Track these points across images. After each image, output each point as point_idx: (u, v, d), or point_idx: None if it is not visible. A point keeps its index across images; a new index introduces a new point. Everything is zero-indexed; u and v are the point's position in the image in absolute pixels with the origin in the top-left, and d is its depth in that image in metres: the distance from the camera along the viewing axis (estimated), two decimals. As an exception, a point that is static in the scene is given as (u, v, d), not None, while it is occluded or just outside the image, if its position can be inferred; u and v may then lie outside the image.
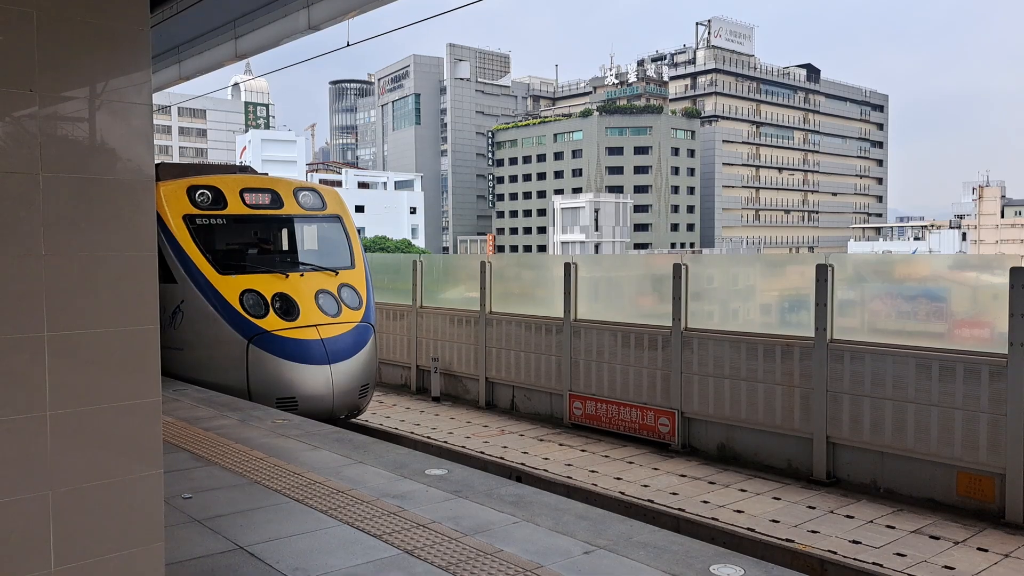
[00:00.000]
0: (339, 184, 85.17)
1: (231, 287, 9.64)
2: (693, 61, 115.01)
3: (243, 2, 11.02)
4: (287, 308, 9.66)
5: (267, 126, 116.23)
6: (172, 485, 5.32)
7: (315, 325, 9.61)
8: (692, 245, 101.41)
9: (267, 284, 9.82)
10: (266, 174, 12.54)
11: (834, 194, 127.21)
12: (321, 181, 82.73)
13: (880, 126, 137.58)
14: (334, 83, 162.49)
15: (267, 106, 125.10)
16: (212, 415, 7.91)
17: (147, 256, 3.02)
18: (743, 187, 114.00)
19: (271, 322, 9.49)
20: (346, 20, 10.28)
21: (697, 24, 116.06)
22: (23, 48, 2.75)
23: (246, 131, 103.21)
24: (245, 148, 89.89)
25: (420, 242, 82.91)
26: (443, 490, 5.41)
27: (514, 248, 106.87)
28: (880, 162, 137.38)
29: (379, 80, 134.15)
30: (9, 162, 2.72)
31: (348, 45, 11.00)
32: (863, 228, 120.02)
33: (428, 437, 10.32)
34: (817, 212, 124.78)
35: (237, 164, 17.03)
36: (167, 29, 11.86)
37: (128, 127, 3.07)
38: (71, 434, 2.80)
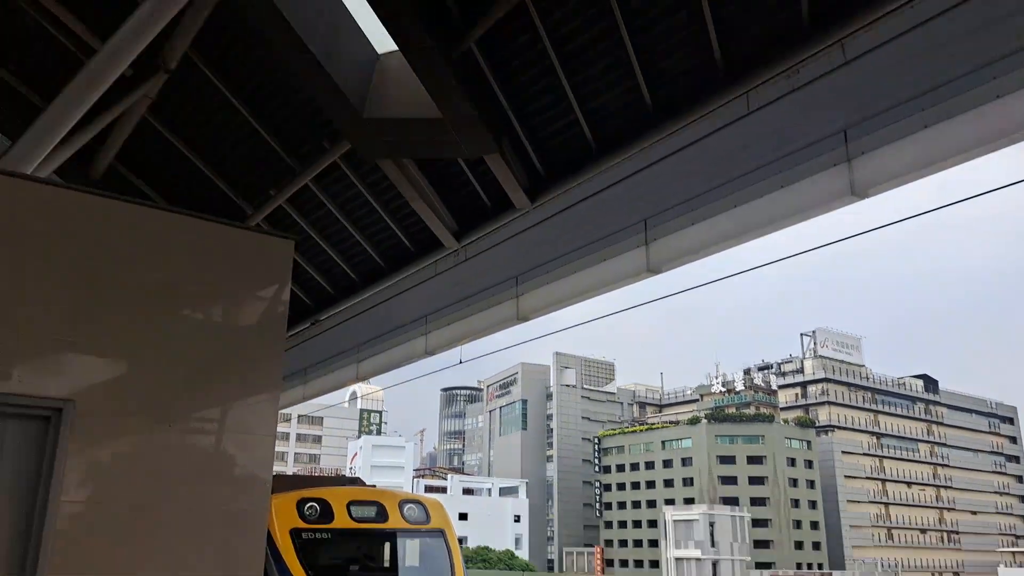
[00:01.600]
0: (444, 490, 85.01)
1: (331, 607, 9.27)
2: (801, 370, 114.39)
3: (368, 330, 11.98)
4: (384, 631, 9.12)
5: (379, 432, 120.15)
6: None
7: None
8: (820, 566, 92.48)
9: (366, 604, 9.40)
10: (374, 486, 12.64)
11: (974, 512, 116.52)
12: (427, 487, 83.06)
13: (1013, 439, 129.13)
14: (445, 390, 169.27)
15: (380, 412, 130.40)
16: None
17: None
18: (870, 502, 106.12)
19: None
20: (459, 346, 10.93)
21: (802, 335, 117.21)
22: (168, 388, 2.98)
23: (359, 437, 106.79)
24: (356, 454, 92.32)
25: (524, 552, 79.60)
26: None
27: (624, 563, 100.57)
28: (1020, 478, 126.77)
29: (488, 387, 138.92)
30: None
31: (460, 363, 11.56)
32: (1012, 552, 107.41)
33: None
34: (957, 532, 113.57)
35: (347, 475, 17.42)
36: (296, 355, 12.87)
37: (251, 457, 3.16)
38: None
